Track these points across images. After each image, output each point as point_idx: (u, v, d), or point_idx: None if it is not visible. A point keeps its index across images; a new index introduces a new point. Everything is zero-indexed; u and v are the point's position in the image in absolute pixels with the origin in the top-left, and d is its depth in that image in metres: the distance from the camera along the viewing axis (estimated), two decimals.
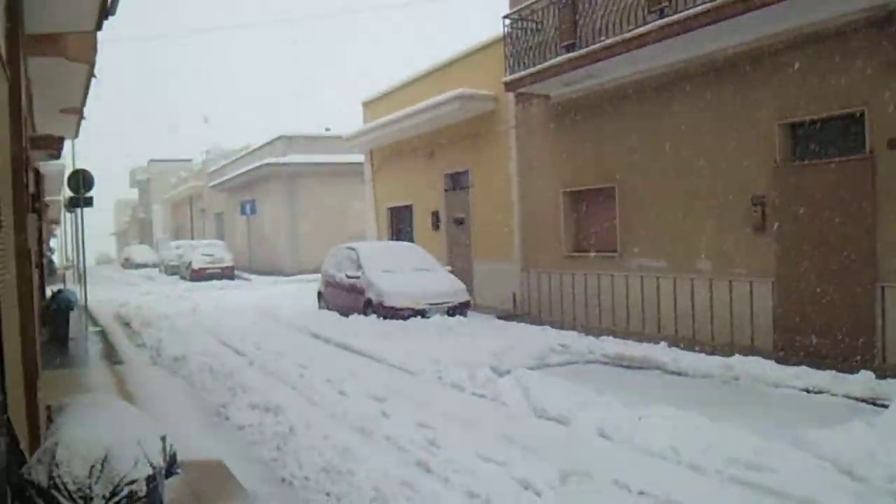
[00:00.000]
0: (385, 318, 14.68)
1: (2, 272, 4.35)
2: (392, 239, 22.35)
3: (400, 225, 22.39)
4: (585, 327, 13.94)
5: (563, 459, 6.26)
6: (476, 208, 17.95)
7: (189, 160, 62.45)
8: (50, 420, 4.04)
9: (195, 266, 34.15)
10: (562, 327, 14.27)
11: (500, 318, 15.65)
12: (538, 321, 15.13)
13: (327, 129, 35.36)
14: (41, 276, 15.78)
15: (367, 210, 24.46)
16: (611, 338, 12.56)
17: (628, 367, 10.67)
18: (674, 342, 11.81)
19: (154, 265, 50.56)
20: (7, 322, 4.15)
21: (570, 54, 13.15)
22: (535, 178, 15.78)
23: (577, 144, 14.52)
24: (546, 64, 13.76)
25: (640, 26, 11.54)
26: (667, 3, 11.20)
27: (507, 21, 15.04)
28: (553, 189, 15.19)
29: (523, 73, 14.42)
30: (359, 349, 12.63)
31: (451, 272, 16.71)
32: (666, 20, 10.99)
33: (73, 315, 15.26)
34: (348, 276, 16.32)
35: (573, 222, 14.99)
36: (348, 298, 16.32)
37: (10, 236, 5.14)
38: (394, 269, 15.89)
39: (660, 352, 11.02)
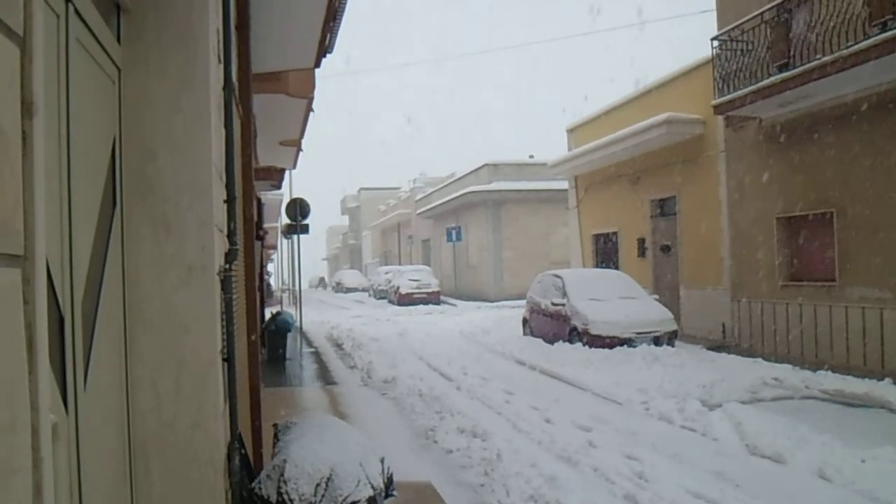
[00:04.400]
0: (590, 346, 14.57)
1: (236, 296, 4.67)
2: (597, 266, 22.21)
3: (605, 252, 22.24)
4: (800, 360, 13.16)
5: (780, 500, 5.99)
6: (683, 235, 17.51)
7: (397, 188, 65.30)
8: (276, 438, 4.26)
9: (402, 291, 35.59)
10: (774, 360, 13.58)
11: (708, 348, 15.13)
12: (749, 353, 14.47)
13: (531, 157, 35.82)
14: (261, 299, 16.82)
15: (571, 237, 24.46)
16: (828, 372, 11.82)
17: (849, 404, 9.93)
18: None
19: (363, 289, 52.93)
20: (238, 342, 4.43)
21: (784, 74, 12.60)
22: (746, 203, 15.20)
23: (791, 168, 13.84)
24: (758, 85, 13.26)
25: (861, 41, 10.89)
26: (891, 16, 10.52)
27: (716, 43, 14.65)
28: (765, 215, 14.55)
29: (733, 95, 13.97)
30: (564, 377, 12.60)
31: (658, 300, 16.36)
32: (891, 34, 10.32)
33: (290, 336, 16.15)
34: (553, 304, 16.37)
35: (786, 249, 14.26)
36: (553, 325, 16.34)
37: (241, 262, 5.46)
38: (599, 296, 15.74)
39: (883, 389, 10.20)
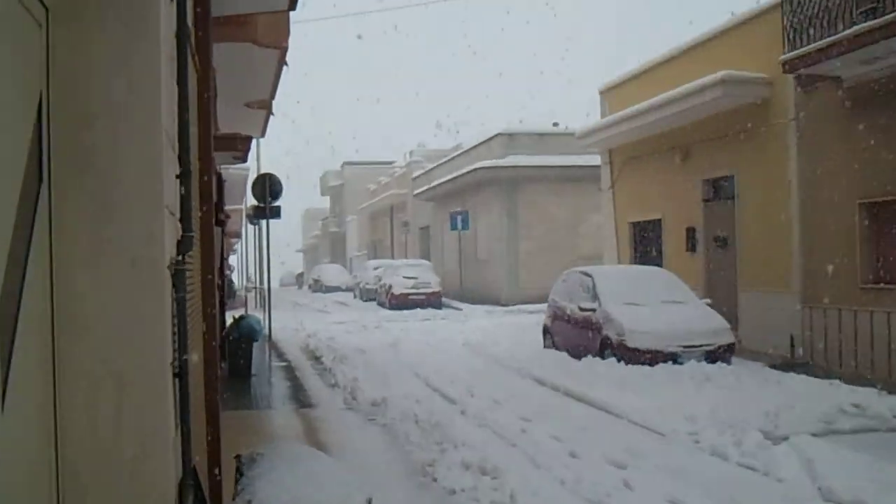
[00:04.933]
0: (626, 362, 14.52)
1: (191, 296, 4.66)
2: (635, 262, 22.23)
3: (645, 244, 22.24)
4: (888, 383, 12.98)
5: None
6: (743, 224, 17.48)
7: (390, 163, 65.28)
8: (239, 473, 4.28)
9: (396, 291, 35.66)
10: (856, 382, 13.31)
11: (772, 366, 15.04)
12: (824, 372, 14.30)
13: (555, 125, 35.83)
14: (221, 300, 16.76)
15: (604, 225, 24.47)
16: None
17: None
18: None
19: (347, 288, 53.05)
20: (192, 353, 4.43)
21: (871, 22, 12.51)
22: (823, 185, 15.13)
23: (879, 141, 13.75)
24: (838, 36, 13.15)
25: None
26: None
27: None
28: (846, 200, 14.50)
29: (807, 48, 13.89)
30: (593, 400, 12.58)
31: (710, 306, 16.30)
32: None
33: (257, 346, 16.23)
34: (581, 309, 16.33)
35: (872, 243, 14.23)
36: (581, 336, 16.30)
37: (197, 254, 5.43)
38: (638, 300, 15.69)
39: None
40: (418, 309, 34.06)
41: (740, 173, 17.63)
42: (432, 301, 35.52)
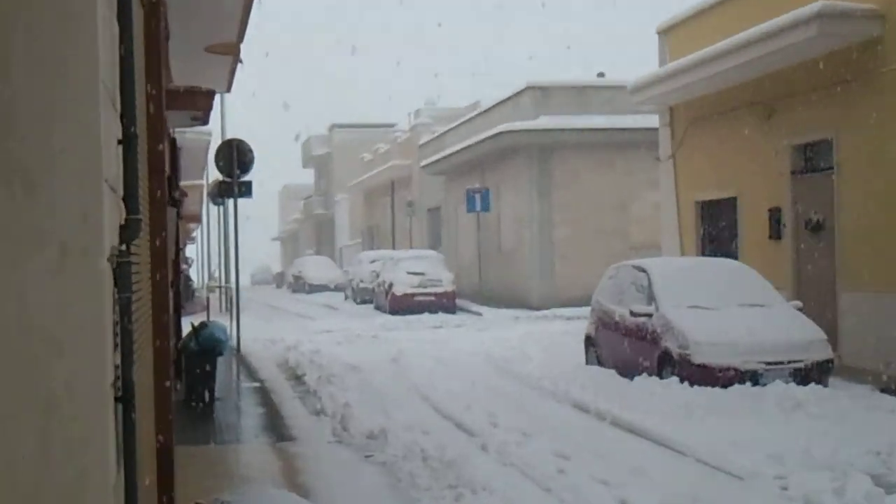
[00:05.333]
0: (692, 382, 14.39)
1: (138, 296, 4.62)
2: (703, 253, 22.14)
3: (716, 230, 22.14)
4: None
5: None
6: (846, 203, 17.32)
7: (391, 126, 65.15)
8: None
9: (398, 290, 35.84)
10: None
11: (883, 390, 14.89)
12: None
13: (601, 75, 35.71)
14: (177, 302, 16.92)
15: (663, 205, 24.42)
16: None
17: None
18: None
19: (336, 287, 53.43)
20: (139, 371, 4.40)
21: None
22: None
23: None
24: None
25: None
26: None
27: None
28: None
29: None
30: (650, 432, 12.50)
31: (800, 310, 16.17)
32: None
33: (222, 362, 16.20)
34: (634, 314, 16.26)
35: None
36: (633, 348, 16.26)
37: (146, 242, 5.37)
38: (707, 302, 15.65)
39: None
40: (426, 314, 34.01)
41: (841, 136, 17.52)
42: (444, 303, 35.56)
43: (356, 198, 68.60)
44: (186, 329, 16.09)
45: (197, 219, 41.73)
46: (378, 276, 39.21)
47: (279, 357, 22.10)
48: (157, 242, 5.66)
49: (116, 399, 3.65)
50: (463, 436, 12.80)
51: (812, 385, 14.25)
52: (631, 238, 31.87)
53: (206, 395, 15.30)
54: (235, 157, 17.98)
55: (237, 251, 18.36)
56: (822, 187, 18.03)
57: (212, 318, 18.15)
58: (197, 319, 17.44)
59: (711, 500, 9.31)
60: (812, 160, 18.62)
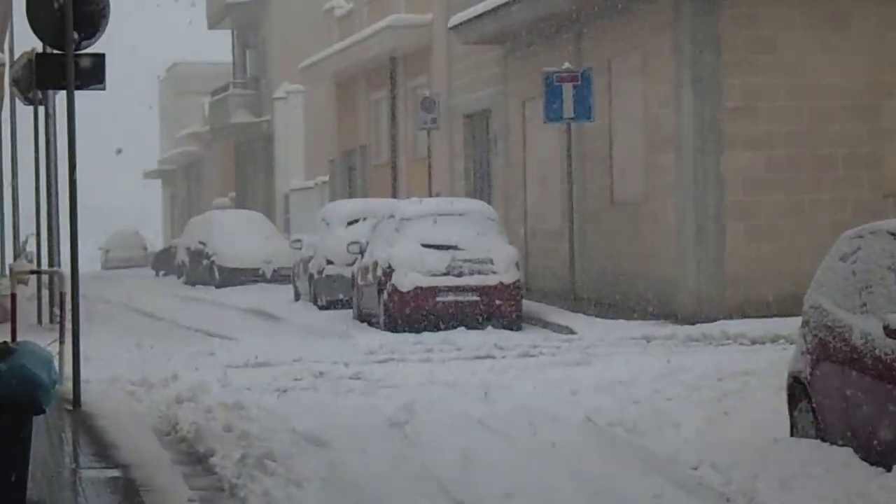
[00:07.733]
0: None
1: None
2: None
3: None
4: None
5: None
6: None
7: None
8: None
9: (404, 282, 24.14)
10: None
11: None
12: None
13: None
14: None
15: None
16: None
17: None
18: None
19: (277, 274, 40.16)
20: None
21: None
22: None
23: None
24: None
25: None
26: None
27: None
28: None
29: None
30: None
31: None
32: None
33: (40, 423, 10.94)
34: (893, 331, 11.90)
35: None
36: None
37: None
38: None
39: None
40: (461, 329, 23.36)
41: None
42: (497, 308, 24.35)
43: (318, 92, 49.01)
44: None
45: None
46: (364, 251, 26.96)
47: (160, 417, 15.03)
48: None
49: None
50: None
51: None
52: (887, 175, 22.45)
53: (13, 492, 9.53)
54: (71, 5, 13.15)
55: (75, 202, 13.10)
56: None
57: (21, 339, 12.70)
58: None
59: None
60: None
